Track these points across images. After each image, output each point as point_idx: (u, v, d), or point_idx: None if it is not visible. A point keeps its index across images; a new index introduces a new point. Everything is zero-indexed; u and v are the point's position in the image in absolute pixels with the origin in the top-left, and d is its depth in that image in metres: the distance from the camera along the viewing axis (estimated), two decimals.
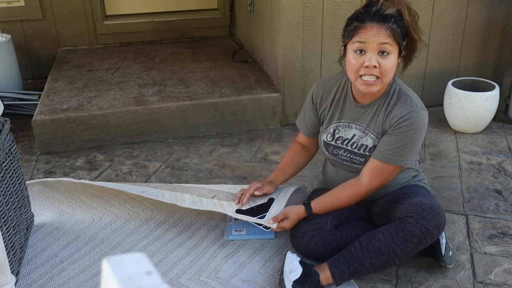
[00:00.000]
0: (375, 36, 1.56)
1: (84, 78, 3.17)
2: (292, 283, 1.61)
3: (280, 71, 2.82)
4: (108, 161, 2.59)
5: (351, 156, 1.78)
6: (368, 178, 1.72)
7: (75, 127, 2.68)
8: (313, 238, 1.73)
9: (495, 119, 2.85)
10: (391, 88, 1.70)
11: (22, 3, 3.52)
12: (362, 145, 1.75)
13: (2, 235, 1.56)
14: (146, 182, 2.37)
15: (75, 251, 1.90)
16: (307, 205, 1.80)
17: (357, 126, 1.76)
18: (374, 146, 1.72)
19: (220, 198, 1.97)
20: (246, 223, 1.98)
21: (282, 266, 1.70)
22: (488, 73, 3.10)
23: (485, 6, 2.95)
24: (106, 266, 0.54)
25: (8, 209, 1.65)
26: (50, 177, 2.43)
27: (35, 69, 3.73)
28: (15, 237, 1.71)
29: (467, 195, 2.23)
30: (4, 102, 3.01)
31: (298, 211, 1.79)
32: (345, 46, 1.67)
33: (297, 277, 1.62)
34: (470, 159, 2.53)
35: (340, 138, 1.79)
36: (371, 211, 1.86)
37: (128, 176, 2.44)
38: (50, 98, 2.87)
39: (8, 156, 1.73)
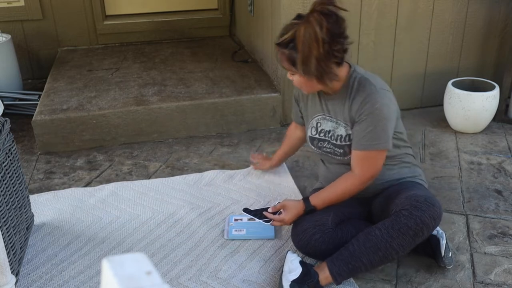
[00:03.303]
0: (280, 60, 1.72)
1: (84, 78, 3.17)
2: (290, 282, 1.61)
3: (280, 71, 2.82)
4: (108, 161, 2.59)
5: (333, 148, 1.83)
6: (358, 168, 1.75)
7: (75, 127, 2.68)
8: (314, 235, 1.72)
9: (495, 119, 2.85)
10: (352, 78, 1.75)
11: (22, 3, 3.52)
12: (338, 135, 1.80)
13: (2, 235, 1.56)
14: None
15: (75, 251, 1.90)
16: (305, 199, 1.82)
17: (331, 118, 1.83)
18: (348, 135, 1.77)
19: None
20: (246, 223, 1.99)
21: (282, 266, 1.70)
22: (488, 73, 3.10)
23: (485, 6, 2.95)
24: (106, 266, 0.54)
25: (8, 209, 1.65)
26: (50, 177, 2.43)
27: (35, 69, 3.73)
28: (15, 237, 1.71)
29: (467, 195, 2.23)
30: (4, 102, 3.01)
31: (297, 203, 1.81)
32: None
33: (296, 277, 1.62)
34: (470, 159, 2.53)
35: (323, 131, 1.85)
36: (372, 211, 1.86)
37: (128, 176, 2.44)
38: (50, 98, 2.87)
39: (8, 156, 1.73)
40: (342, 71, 1.73)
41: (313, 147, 1.91)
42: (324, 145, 1.86)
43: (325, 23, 1.59)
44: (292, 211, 1.79)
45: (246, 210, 1.94)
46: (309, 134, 1.91)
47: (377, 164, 1.74)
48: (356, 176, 1.75)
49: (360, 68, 1.79)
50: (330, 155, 1.86)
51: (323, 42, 1.59)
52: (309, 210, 1.79)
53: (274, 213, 1.86)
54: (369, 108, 1.67)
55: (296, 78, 1.73)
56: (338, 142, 1.80)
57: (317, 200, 1.80)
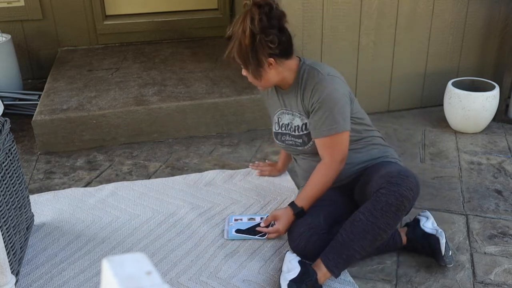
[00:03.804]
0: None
1: (84, 78, 3.17)
2: (288, 282, 1.61)
3: None
4: (108, 161, 2.59)
5: (293, 139, 1.90)
6: (327, 155, 1.80)
7: (75, 127, 2.68)
8: (310, 237, 1.73)
9: (495, 119, 2.85)
10: (301, 70, 1.82)
11: (22, 3, 3.52)
12: (295, 126, 1.87)
13: (2, 235, 1.56)
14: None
15: (75, 251, 1.90)
16: (291, 203, 1.85)
17: (287, 111, 1.91)
18: (304, 124, 1.84)
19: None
20: (246, 223, 2.00)
21: (282, 266, 1.71)
22: (488, 73, 3.10)
23: (485, 6, 2.95)
24: (106, 266, 0.54)
25: (8, 209, 1.65)
26: (50, 177, 2.43)
27: (35, 69, 3.73)
28: (15, 237, 1.71)
29: (467, 195, 2.23)
30: (4, 102, 3.01)
31: (285, 211, 1.84)
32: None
33: (294, 276, 1.62)
34: (470, 159, 2.53)
35: (283, 125, 1.93)
36: (357, 201, 1.87)
37: (128, 176, 2.44)
38: (50, 98, 2.87)
39: (8, 156, 1.73)
40: (292, 64, 1.81)
41: (278, 142, 1.99)
42: (286, 139, 1.93)
43: (257, 15, 1.66)
44: (284, 219, 1.83)
45: (238, 231, 1.96)
46: (273, 130, 1.99)
47: (343, 147, 1.79)
48: (327, 162, 1.80)
49: (309, 60, 1.86)
50: (292, 147, 1.93)
51: (252, 33, 1.67)
52: (298, 213, 1.82)
53: (267, 226, 1.92)
54: (319, 96, 1.74)
55: (246, 73, 1.80)
56: (296, 133, 1.88)
57: (301, 200, 1.83)
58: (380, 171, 1.75)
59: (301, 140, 1.88)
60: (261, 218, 2.01)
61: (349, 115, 1.79)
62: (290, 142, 1.92)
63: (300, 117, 1.85)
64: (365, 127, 1.89)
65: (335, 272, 1.65)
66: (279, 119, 1.95)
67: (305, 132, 1.85)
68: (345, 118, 1.76)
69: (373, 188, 1.68)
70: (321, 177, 1.82)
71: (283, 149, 2.05)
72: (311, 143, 1.85)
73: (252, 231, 1.95)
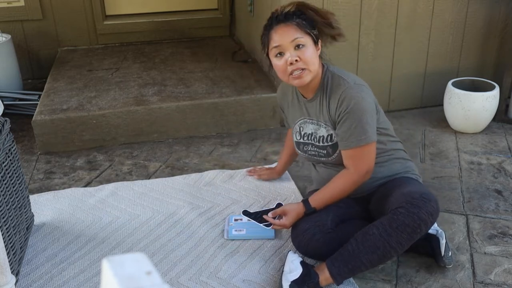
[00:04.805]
0: (284, 36, 1.68)
1: (84, 78, 3.17)
2: (290, 283, 1.61)
3: None
4: (108, 161, 2.59)
5: (317, 150, 1.85)
6: (352, 166, 1.75)
7: (75, 127, 2.68)
8: (314, 235, 1.72)
9: (495, 119, 2.85)
10: (325, 77, 1.77)
11: (22, 3, 3.52)
12: (320, 136, 1.82)
13: (2, 235, 1.56)
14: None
15: (75, 251, 1.90)
16: (305, 201, 1.81)
17: (312, 120, 1.84)
18: (329, 135, 1.79)
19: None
20: (246, 223, 1.99)
21: (283, 266, 1.70)
22: (488, 73, 3.10)
23: (485, 6, 2.95)
24: (106, 266, 0.54)
25: (8, 209, 1.65)
26: (50, 177, 2.43)
27: (35, 69, 3.74)
28: (15, 237, 1.71)
29: (467, 195, 2.23)
30: (4, 102, 3.01)
31: (297, 207, 1.80)
32: (268, 56, 1.78)
33: (296, 277, 1.62)
34: (470, 159, 2.53)
35: (306, 134, 1.87)
36: (370, 211, 1.86)
37: (128, 176, 2.44)
38: (50, 98, 2.87)
39: (8, 156, 1.73)
40: (319, 68, 1.77)
41: (299, 151, 1.93)
42: (309, 149, 1.88)
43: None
44: (293, 215, 1.79)
45: (245, 213, 1.96)
46: (294, 139, 1.94)
47: (370, 158, 1.75)
48: (352, 173, 1.75)
49: (333, 66, 1.82)
50: (315, 157, 1.87)
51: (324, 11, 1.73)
52: (310, 213, 1.79)
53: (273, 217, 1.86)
54: (347, 105, 1.69)
55: (306, 53, 1.67)
56: (321, 143, 1.82)
57: (316, 201, 1.80)
58: (401, 188, 1.70)
59: (325, 151, 1.82)
60: (274, 206, 2.01)
61: (375, 125, 1.75)
62: (313, 153, 1.87)
63: (325, 127, 1.79)
64: (389, 138, 1.85)
65: (338, 280, 1.64)
66: (301, 128, 1.88)
67: (330, 143, 1.79)
68: (373, 128, 1.72)
69: (392, 204, 1.64)
70: (342, 184, 1.77)
71: (305, 158, 1.95)
72: (335, 154, 1.80)
73: (259, 218, 1.91)
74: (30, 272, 1.79)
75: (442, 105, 2.89)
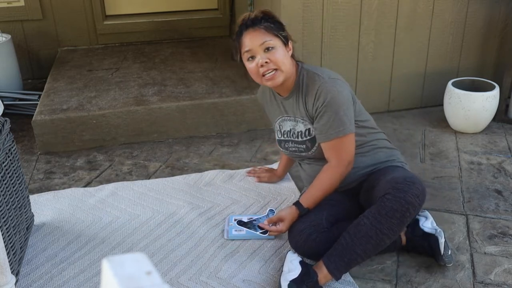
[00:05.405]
0: (254, 40, 1.75)
1: (84, 78, 3.17)
2: (288, 282, 1.61)
3: None
4: (108, 161, 2.59)
5: (296, 145, 1.90)
6: (334, 157, 1.79)
7: (75, 127, 2.68)
8: (310, 235, 1.73)
9: (495, 119, 2.85)
10: (300, 75, 1.83)
11: (22, 3, 3.52)
12: (298, 132, 1.87)
13: (2, 235, 1.56)
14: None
15: (75, 251, 1.90)
16: (297, 203, 1.84)
17: (289, 117, 1.90)
18: (307, 129, 1.84)
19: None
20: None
21: (282, 266, 1.70)
22: (488, 73, 3.10)
23: (485, 6, 2.95)
24: (106, 266, 0.54)
25: (8, 209, 1.65)
26: (50, 177, 2.43)
27: (35, 69, 3.73)
28: (15, 237, 1.71)
29: (467, 195, 2.23)
30: (4, 102, 3.01)
31: (291, 211, 1.83)
32: (241, 61, 1.85)
33: (295, 277, 1.62)
34: (470, 159, 2.53)
35: (285, 132, 1.93)
36: (361, 203, 1.87)
37: (128, 176, 2.44)
38: (50, 98, 2.87)
39: (8, 156, 1.73)
40: (293, 67, 1.82)
41: (281, 149, 1.99)
42: (289, 145, 1.93)
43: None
44: (288, 220, 1.83)
45: (239, 223, 1.99)
46: (276, 138, 2.00)
47: (350, 149, 1.79)
48: (334, 165, 1.80)
49: (307, 65, 1.87)
50: (296, 153, 1.93)
51: None
52: (304, 214, 1.82)
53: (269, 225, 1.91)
54: (323, 100, 1.74)
55: (276, 54, 1.73)
56: (299, 139, 1.88)
57: (307, 200, 1.83)
58: (386, 176, 1.74)
59: (304, 146, 1.87)
60: (265, 214, 2.05)
61: (353, 117, 1.79)
62: (294, 149, 1.92)
63: (303, 122, 1.85)
64: (369, 130, 1.88)
65: (336, 275, 1.65)
66: (281, 126, 1.95)
67: (308, 137, 1.85)
68: (351, 120, 1.77)
69: (379, 193, 1.67)
70: (327, 179, 1.81)
71: (288, 156, 2.04)
72: (314, 148, 1.85)
73: (253, 226, 1.97)
74: (30, 272, 1.79)
75: (442, 105, 2.89)
